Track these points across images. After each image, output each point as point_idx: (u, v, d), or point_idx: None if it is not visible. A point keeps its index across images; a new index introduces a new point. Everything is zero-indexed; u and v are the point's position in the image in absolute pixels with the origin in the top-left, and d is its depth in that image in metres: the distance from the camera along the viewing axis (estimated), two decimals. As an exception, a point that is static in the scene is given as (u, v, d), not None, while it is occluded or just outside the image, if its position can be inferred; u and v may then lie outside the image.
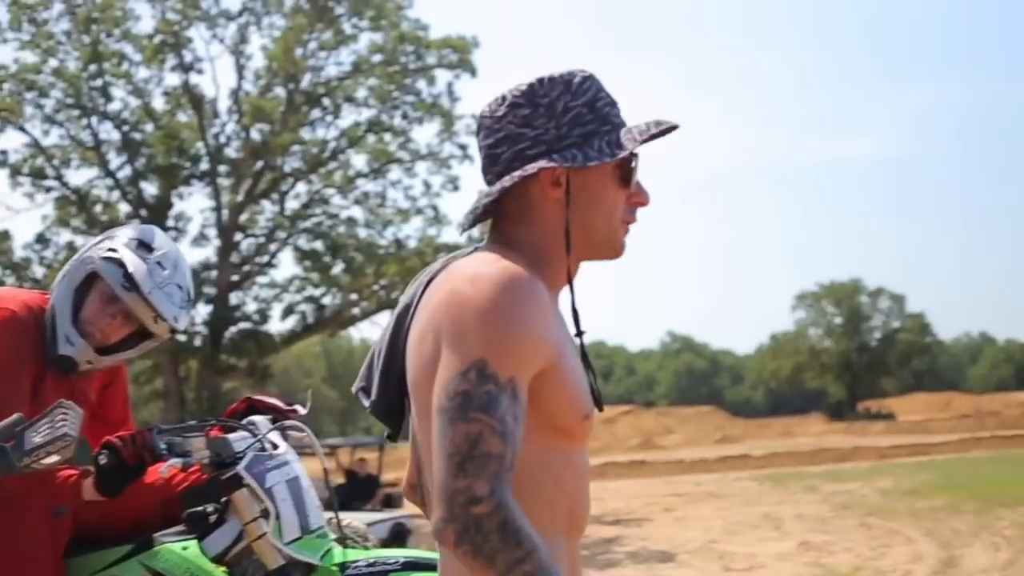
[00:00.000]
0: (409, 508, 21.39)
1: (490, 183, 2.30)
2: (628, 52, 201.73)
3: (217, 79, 32.62)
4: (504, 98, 2.29)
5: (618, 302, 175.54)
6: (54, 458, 3.44)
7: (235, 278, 29.17)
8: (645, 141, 2.27)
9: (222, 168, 28.91)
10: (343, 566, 3.71)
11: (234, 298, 29.40)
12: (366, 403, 2.42)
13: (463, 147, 29.66)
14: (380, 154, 29.50)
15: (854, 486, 28.23)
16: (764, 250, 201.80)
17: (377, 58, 29.37)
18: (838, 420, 79.86)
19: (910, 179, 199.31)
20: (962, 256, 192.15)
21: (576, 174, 2.25)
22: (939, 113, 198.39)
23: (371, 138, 29.69)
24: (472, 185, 55.86)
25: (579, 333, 2.30)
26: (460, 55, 29.02)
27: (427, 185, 30.00)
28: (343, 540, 3.86)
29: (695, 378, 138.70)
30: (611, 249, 2.34)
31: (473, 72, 29.37)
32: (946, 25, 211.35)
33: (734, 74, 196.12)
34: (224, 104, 29.31)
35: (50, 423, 3.44)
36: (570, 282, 2.29)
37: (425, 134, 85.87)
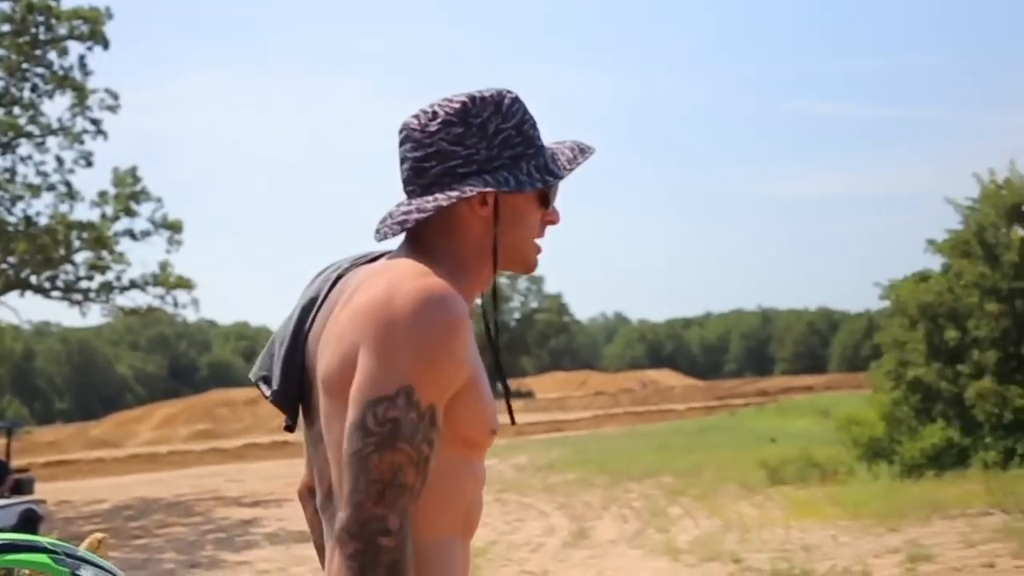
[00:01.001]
0: (40, 494, 20.58)
1: (412, 193, 2.36)
2: (284, 29, 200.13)
3: None
4: (436, 113, 2.35)
5: (271, 283, 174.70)
6: None
7: None
8: (573, 169, 2.42)
9: None
10: (-63, 551, 3.55)
11: None
12: (267, 392, 2.46)
13: (96, 122, 29.13)
14: (9, 128, 28.54)
15: (490, 463, 28.76)
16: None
17: (5, 28, 28.31)
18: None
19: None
20: (598, 239, 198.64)
21: (504, 195, 2.36)
22: (583, 99, 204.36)
23: (-1, 111, 28.64)
24: (105, 160, 54.63)
25: (496, 348, 2.46)
26: (92, 26, 28.31)
27: (59, 160, 29.38)
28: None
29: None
30: (526, 265, 2.46)
31: (106, 45, 28.75)
32: (595, 13, 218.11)
33: (387, 53, 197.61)
34: None
35: None
36: (494, 296, 2.50)
37: (56, 108, 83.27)
